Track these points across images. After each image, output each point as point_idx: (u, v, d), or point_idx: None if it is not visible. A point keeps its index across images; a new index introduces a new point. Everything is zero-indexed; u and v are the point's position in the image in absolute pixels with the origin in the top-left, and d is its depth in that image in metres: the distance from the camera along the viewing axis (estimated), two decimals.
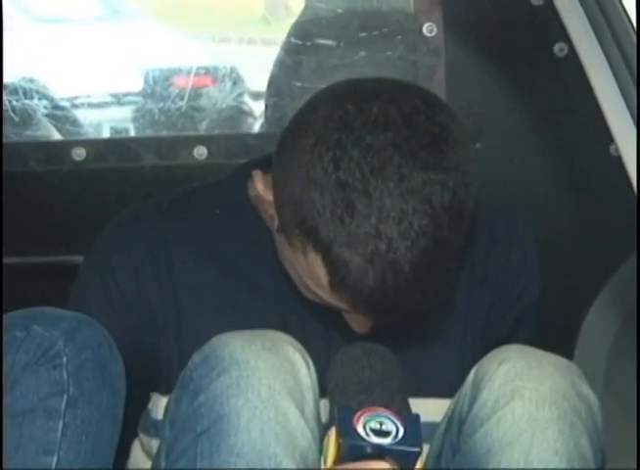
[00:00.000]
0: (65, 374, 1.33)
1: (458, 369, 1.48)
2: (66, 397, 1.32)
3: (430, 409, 1.48)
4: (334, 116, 1.32)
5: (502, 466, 1.30)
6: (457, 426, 1.39)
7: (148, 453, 1.55)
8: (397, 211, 1.28)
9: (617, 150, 1.15)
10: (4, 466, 1.20)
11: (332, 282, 1.31)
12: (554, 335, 1.57)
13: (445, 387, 1.47)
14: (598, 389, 1.48)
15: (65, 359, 1.33)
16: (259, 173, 1.44)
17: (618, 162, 1.15)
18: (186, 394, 1.34)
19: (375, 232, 1.27)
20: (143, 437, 1.56)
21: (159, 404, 1.51)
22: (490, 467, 1.31)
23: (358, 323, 1.40)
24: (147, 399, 1.55)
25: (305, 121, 1.35)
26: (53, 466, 1.31)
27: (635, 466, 1.20)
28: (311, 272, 1.33)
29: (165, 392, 1.49)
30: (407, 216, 1.28)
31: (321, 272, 1.31)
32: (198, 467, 1.29)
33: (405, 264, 1.28)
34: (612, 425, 1.41)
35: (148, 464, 1.54)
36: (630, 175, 1.13)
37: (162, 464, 1.36)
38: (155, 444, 1.51)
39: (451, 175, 1.30)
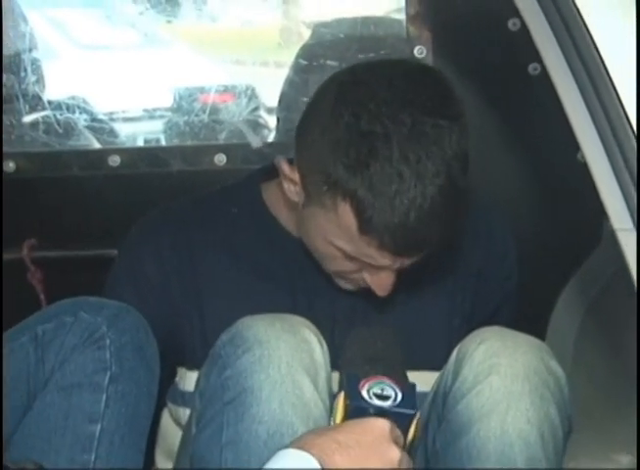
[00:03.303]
0: (108, 354, 1.33)
1: (445, 346, 1.46)
2: (109, 373, 1.33)
3: (420, 380, 1.47)
4: (347, 79, 1.33)
5: (481, 433, 1.30)
6: (442, 398, 1.38)
7: (176, 420, 1.55)
8: (413, 153, 1.27)
9: (583, 157, 1.14)
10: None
11: (360, 225, 1.30)
12: (528, 319, 1.56)
13: (434, 361, 1.46)
14: (567, 365, 1.47)
15: (108, 342, 1.33)
16: (283, 159, 1.41)
17: (584, 167, 1.14)
18: (215, 368, 1.33)
19: (396, 172, 1.27)
20: (171, 406, 1.55)
21: (185, 378, 1.51)
22: (471, 434, 1.30)
23: (381, 283, 1.39)
24: (173, 374, 1.54)
25: (321, 93, 1.36)
26: (97, 433, 1.32)
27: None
28: (341, 226, 1.32)
29: (191, 367, 1.49)
30: (422, 157, 1.27)
31: (350, 220, 1.30)
32: (224, 433, 1.29)
33: (425, 201, 1.27)
34: (579, 396, 1.41)
35: (176, 429, 1.54)
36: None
37: (193, 430, 1.36)
38: (182, 412, 1.51)
39: (455, 123, 1.30)
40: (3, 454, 1.26)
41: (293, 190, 1.39)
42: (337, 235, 1.34)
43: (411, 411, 1.23)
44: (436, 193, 1.28)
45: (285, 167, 1.39)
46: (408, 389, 1.25)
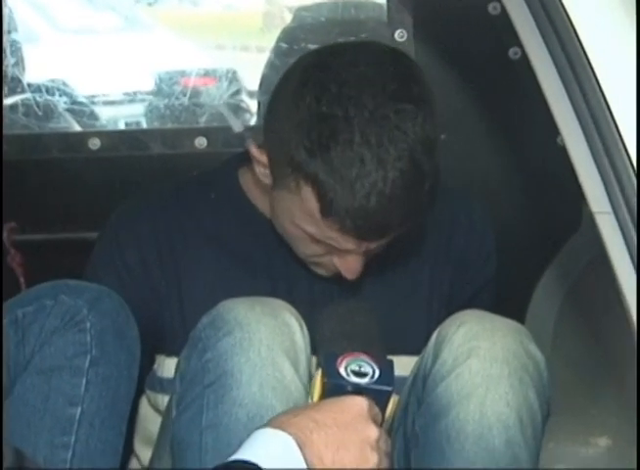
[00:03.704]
0: (88, 337, 1.33)
1: (424, 331, 1.46)
2: (89, 357, 1.33)
3: (399, 365, 1.47)
4: (312, 61, 1.33)
5: (460, 416, 1.30)
6: (422, 381, 1.38)
7: (154, 407, 1.55)
8: (375, 137, 1.26)
9: (562, 141, 1.15)
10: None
11: (322, 208, 1.29)
12: (508, 304, 1.57)
13: (413, 346, 1.46)
14: (546, 349, 1.47)
15: (88, 325, 1.33)
16: (252, 142, 1.41)
17: (563, 151, 1.14)
18: (195, 351, 1.33)
19: (357, 156, 1.26)
20: (149, 393, 1.55)
21: (164, 364, 1.51)
22: (450, 417, 1.31)
23: (348, 266, 1.38)
24: (153, 361, 1.54)
25: (286, 76, 1.35)
26: (77, 416, 1.32)
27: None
28: (305, 209, 1.32)
29: (170, 353, 1.48)
30: (384, 141, 1.27)
31: (312, 203, 1.30)
32: (204, 416, 1.29)
33: (386, 186, 1.27)
34: (558, 380, 1.41)
35: (154, 416, 1.54)
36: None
37: (174, 413, 1.35)
38: (160, 399, 1.50)
39: (419, 107, 1.29)
40: (3, 446, 1.26)
41: (263, 173, 1.40)
42: (302, 218, 1.34)
43: (388, 388, 1.23)
44: (398, 177, 1.27)
45: (254, 151, 1.39)
46: (386, 365, 1.24)
